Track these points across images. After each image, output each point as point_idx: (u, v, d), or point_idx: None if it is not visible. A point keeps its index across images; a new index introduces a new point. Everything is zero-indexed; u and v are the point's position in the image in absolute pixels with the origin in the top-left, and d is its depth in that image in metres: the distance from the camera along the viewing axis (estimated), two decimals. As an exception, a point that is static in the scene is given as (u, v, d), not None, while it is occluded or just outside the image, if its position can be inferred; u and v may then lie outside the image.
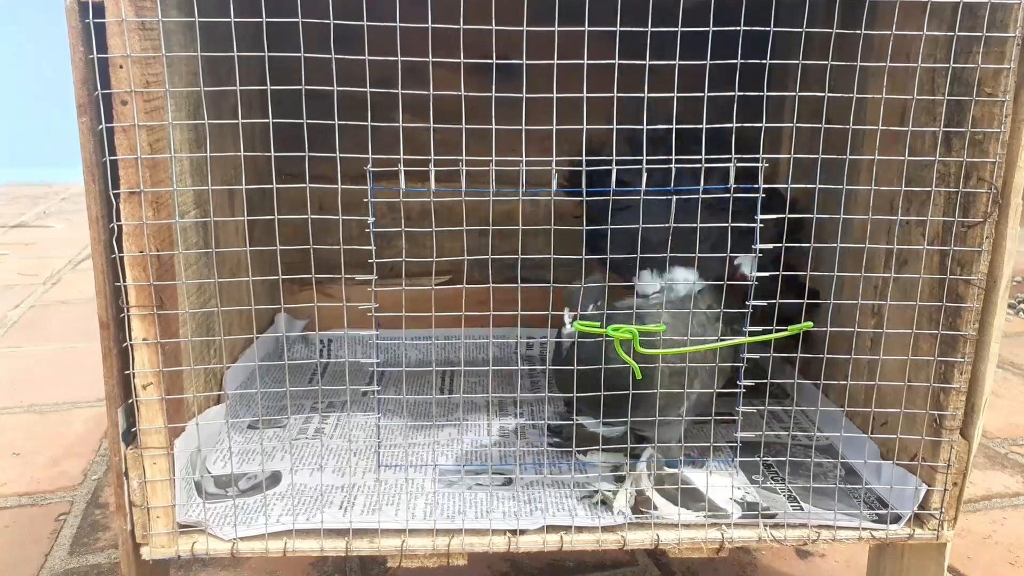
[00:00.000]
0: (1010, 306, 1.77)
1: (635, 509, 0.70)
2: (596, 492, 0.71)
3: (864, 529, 0.69)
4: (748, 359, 0.67)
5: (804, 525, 0.69)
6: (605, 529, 0.68)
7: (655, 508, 0.70)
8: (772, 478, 0.78)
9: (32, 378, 1.37)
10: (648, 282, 0.83)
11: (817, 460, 0.79)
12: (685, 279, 0.79)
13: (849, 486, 0.74)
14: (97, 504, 0.99)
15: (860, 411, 0.77)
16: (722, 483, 0.74)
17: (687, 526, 0.68)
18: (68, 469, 1.07)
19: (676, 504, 0.70)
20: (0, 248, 2.28)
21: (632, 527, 0.68)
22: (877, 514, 0.71)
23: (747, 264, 0.82)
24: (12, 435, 1.17)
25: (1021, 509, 1.01)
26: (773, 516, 0.69)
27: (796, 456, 0.80)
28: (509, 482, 0.75)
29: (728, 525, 0.68)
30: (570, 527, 0.67)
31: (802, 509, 0.72)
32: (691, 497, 0.71)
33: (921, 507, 0.69)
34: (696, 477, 0.75)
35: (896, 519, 0.69)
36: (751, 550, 0.90)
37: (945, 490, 0.67)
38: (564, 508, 0.70)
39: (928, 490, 0.68)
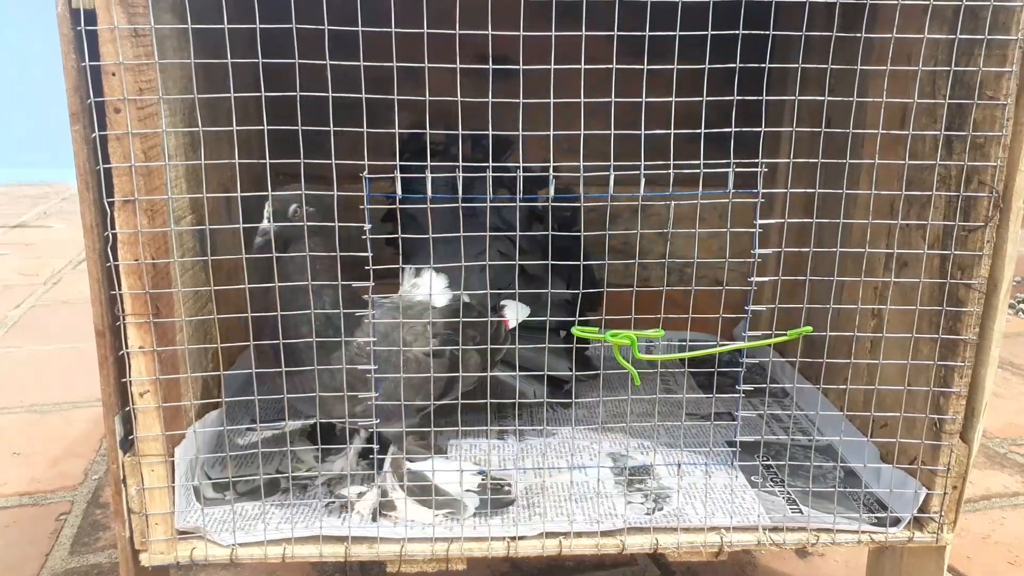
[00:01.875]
0: (1009, 306, 1.76)
1: (380, 512, 0.68)
2: (338, 499, 0.70)
3: (863, 532, 0.68)
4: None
5: (803, 528, 0.69)
6: (604, 534, 0.68)
7: (395, 510, 0.69)
8: (772, 480, 0.78)
9: (32, 378, 1.37)
10: (405, 279, 0.82)
11: (817, 463, 0.78)
12: (432, 285, 0.77)
13: (849, 489, 0.74)
14: (97, 504, 0.99)
15: (860, 414, 0.77)
16: (452, 475, 0.70)
17: (686, 530, 0.68)
18: (68, 469, 1.07)
19: (417, 505, 0.69)
20: (0, 248, 2.28)
21: (631, 531, 0.68)
22: (876, 517, 0.70)
23: (511, 310, 0.83)
24: (12, 435, 1.17)
25: (1020, 509, 1.01)
26: (508, 502, 0.68)
27: (796, 458, 0.80)
28: (508, 488, 0.75)
29: (728, 529, 0.68)
30: (569, 532, 0.67)
31: (801, 512, 0.72)
32: (427, 494, 0.69)
33: (921, 510, 0.69)
34: (439, 473, 0.71)
35: (895, 522, 0.69)
36: (750, 550, 0.90)
37: (945, 494, 0.67)
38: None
39: (928, 493, 0.68)
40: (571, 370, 0.86)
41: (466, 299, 0.79)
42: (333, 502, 0.70)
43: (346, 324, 0.66)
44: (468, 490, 0.70)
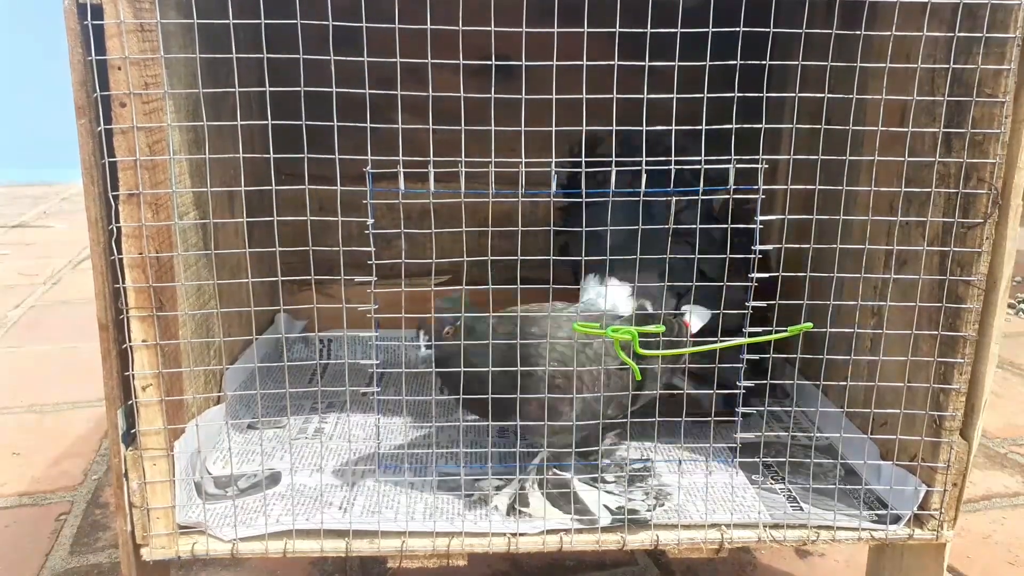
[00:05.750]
0: (1010, 306, 1.77)
1: (510, 508, 0.70)
2: (477, 491, 0.72)
3: (864, 529, 0.69)
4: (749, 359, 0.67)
5: (804, 526, 0.69)
6: (605, 530, 0.68)
7: (528, 507, 0.70)
8: (772, 478, 0.78)
9: (32, 378, 1.37)
10: (589, 288, 0.81)
11: (817, 460, 0.79)
12: (617, 293, 0.77)
13: (849, 487, 0.74)
14: (97, 504, 0.99)
15: (860, 411, 0.77)
16: (591, 491, 0.73)
17: (686, 527, 0.68)
18: (68, 469, 1.07)
19: (553, 507, 0.70)
20: (0, 248, 2.28)
21: (632, 528, 0.68)
22: (877, 514, 0.71)
23: (693, 315, 0.81)
24: (12, 435, 1.17)
25: (1021, 509, 1.01)
26: (645, 522, 0.68)
27: (796, 456, 0.80)
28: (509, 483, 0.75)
29: (728, 526, 0.68)
30: (569, 529, 0.67)
31: (802, 510, 0.72)
32: (566, 500, 0.71)
33: (921, 507, 0.69)
34: (577, 486, 0.74)
35: (896, 519, 0.69)
36: (751, 550, 0.90)
37: (945, 491, 0.67)
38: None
39: (928, 490, 0.68)
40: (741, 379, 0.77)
41: (649, 308, 0.79)
42: (472, 495, 0.72)
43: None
44: (605, 505, 0.71)
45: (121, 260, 0.59)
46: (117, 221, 0.59)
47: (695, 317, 0.81)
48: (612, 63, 0.58)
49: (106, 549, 0.90)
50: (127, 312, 0.60)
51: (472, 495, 0.72)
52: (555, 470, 0.75)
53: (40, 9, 3.08)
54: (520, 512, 0.69)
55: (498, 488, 0.73)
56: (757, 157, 0.61)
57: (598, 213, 0.71)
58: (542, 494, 0.72)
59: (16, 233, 2.50)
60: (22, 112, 3.18)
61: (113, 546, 0.90)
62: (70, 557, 0.89)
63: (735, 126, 0.61)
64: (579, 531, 0.67)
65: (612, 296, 0.77)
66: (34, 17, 3.11)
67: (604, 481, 0.76)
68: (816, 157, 0.62)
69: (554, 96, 0.58)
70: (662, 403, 0.71)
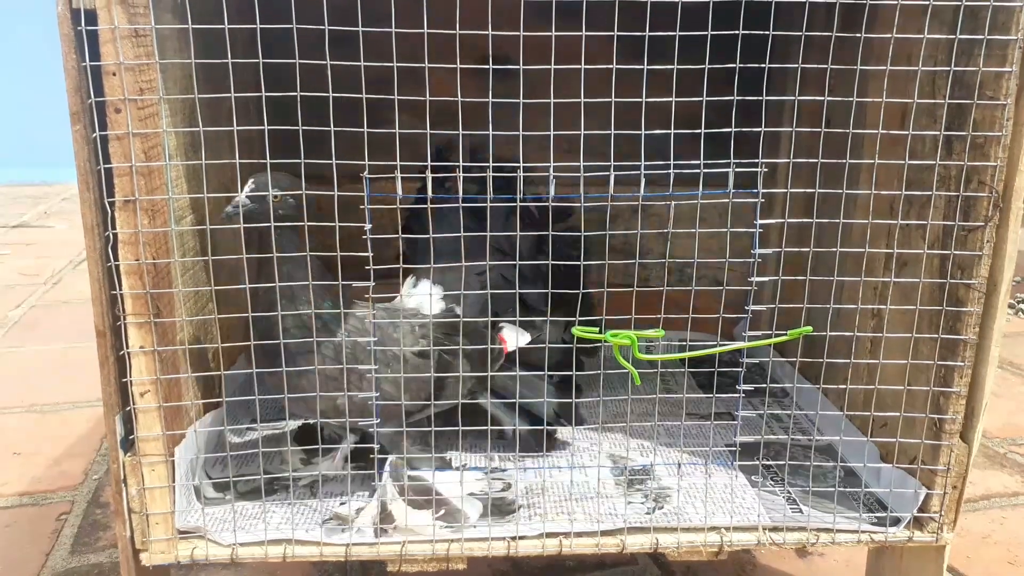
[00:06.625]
0: (1009, 306, 1.77)
1: (381, 527, 0.67)
2: (336, 519, 0.69)
3: (863, 532, 0.69)
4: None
5: (803, 528, 0.69)
6: (604, 533, 0.68)
7: (394, 521, 0.67)
8: (772, 480, 0.78)
9: (32, 378, 1.37)
10: (405, 286, 0.82)
11: (817, 463, 0.78)
12: (425, 294, 0.78)
13: (849, 489, 0.74)
14: (98, 504, 0.99)
15: (860, 414, 0.77)
16: (454, 480, 0.70)
17: (686, 529, 0.68)
18: (69, 469, 1.07)
19: (415, 510, 0.68)
20: (1, 248, 2.28)
21: (632, 531, 0.68)
22: (876, 517, 0.71)
23: (511, 333, 0.81)
24: (12, 435, 1.17)
25: (1020, 509, 1.01)
26: (512, 512, 0.66)
27: (796, 458, 0.80)
28: (508, 487, 0.75)
29: (728, 528, 0.68)
30: (569, 532, 0.67)
31: (801, 512, 0.72)
32: (428, 504, 0.69)
33: (921, 510, 0.69)
34: (438, 481, 0.71)
35: (895, 522, 0.69)
36: (750, 550, 0.90)
37: (945, 493, 0.67)
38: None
39: (928, 493, 0.68)
40: (553, 414, 0.82)
41: (458, 311, 0.80)
42: (330, 520, 0.69)
43: (327, 324, 0.68)
44: (471, 494, 0.70)
45: (118, 266, 0.59)
46: (113, 227, 0.58)
47: (510, 335, 0.82)
48: (610, 66, 0.58)
49: (106, 549, 0.90)
50: (124, 318, 0.60)
51: (330, 520, 0.68)
52: (411, 475, 0.72)
53: (41, 9, 3.07)
54: (385, 530, 0.66)
55: (359, 510, 0.69)
56: (757, 160, 0.61)
57: (436, 220, 0.75)
58: (404, 502, 0.69)
59: (17, 233, 2.50)
60: (23, 112, 3.18)
61: (114, 546, 0.90)
62: (71, 557, 0.89)
63: (734, 129, 0.61)
64: (578, 534, 0.67)
65: (421, 295, 0.79)
66: (35, 17, 3.10)
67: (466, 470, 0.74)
68: (816, 160, 0.62)
69: (552, 99, 0.58)
70: (469, 417, 0.72)
